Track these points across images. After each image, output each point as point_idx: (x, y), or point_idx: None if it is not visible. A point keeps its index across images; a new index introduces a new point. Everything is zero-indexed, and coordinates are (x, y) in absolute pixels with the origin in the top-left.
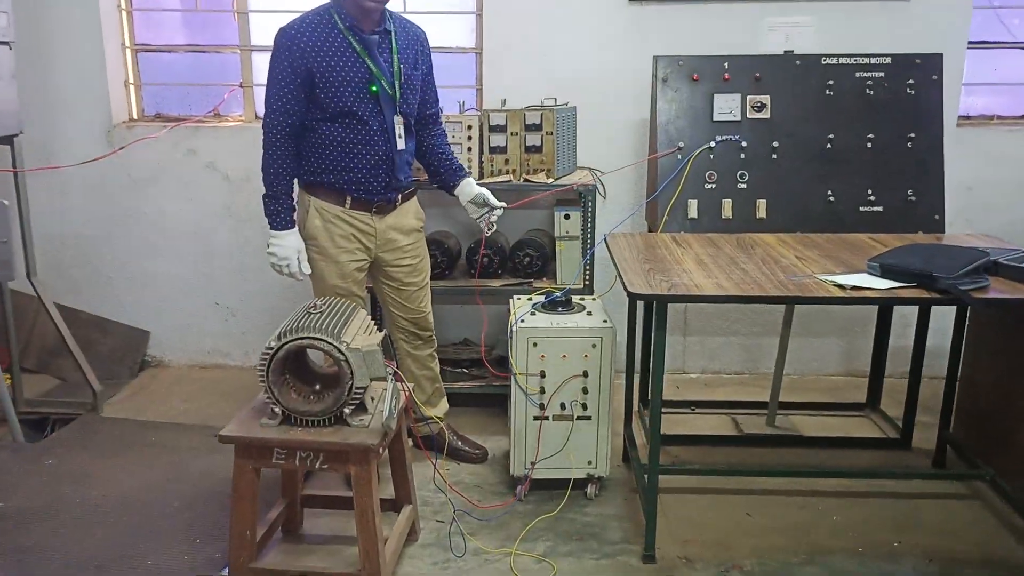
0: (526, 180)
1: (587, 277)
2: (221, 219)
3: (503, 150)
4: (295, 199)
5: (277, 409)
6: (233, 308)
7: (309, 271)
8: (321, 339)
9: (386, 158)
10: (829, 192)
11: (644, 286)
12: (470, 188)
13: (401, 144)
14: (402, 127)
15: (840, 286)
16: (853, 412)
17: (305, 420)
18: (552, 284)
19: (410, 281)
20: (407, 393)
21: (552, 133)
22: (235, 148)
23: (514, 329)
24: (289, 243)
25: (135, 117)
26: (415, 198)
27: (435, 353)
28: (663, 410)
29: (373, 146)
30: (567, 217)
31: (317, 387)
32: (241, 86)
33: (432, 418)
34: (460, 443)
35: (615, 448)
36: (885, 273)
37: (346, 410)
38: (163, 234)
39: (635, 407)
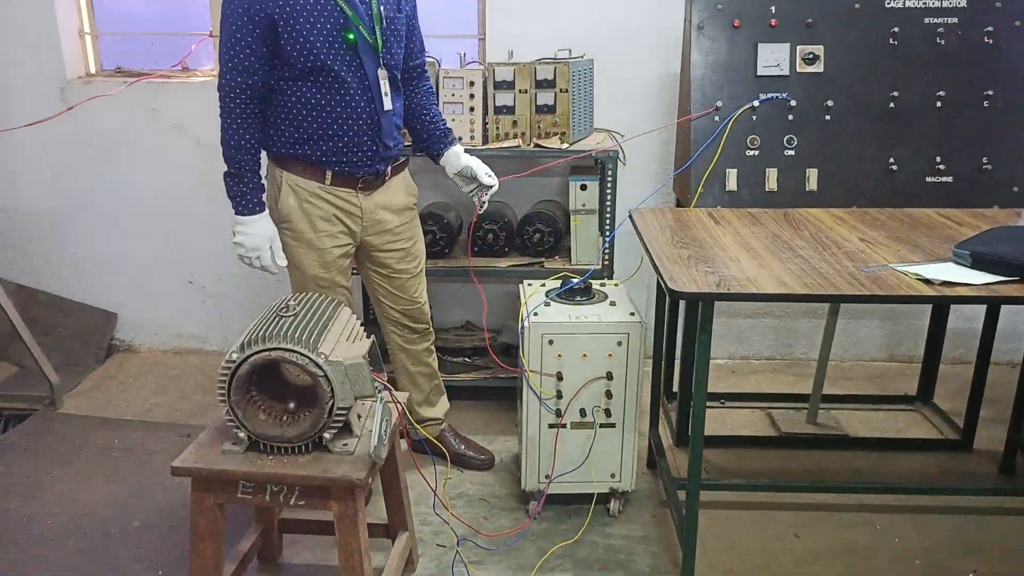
0: (537, 145)
1: (606, 257)
2: (193, 189)
3: (510, 110)
4: (263, 176)
5: (242, 434)
6: (210, 287)
7: (284, 262)
8: (294, 351)
9: (370, 122)
10: (891, 160)
11: (688, 282)
12: (457, 158)
13: (388, 103)
14: (387, 83)
15: (927, 281)
16: (903, 406)
17: (277, 447)
18: (566, 264)
19: (402, 268)
20: (401, 410)
21: (567, 90)
22: (206, 107)
23: (526, 324)
24: (259, 230)
25: (92, 72)
26: (406, 170)
27: (433, 347)
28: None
29: (354, 108)
30: (583, 188)
31: (291, 405)
32: (211, 35)
33: (430, 420)
34: (463, 447)
35: (639, 452)
36: (977, 263)
37: (326, 434)
38: (129, 205)
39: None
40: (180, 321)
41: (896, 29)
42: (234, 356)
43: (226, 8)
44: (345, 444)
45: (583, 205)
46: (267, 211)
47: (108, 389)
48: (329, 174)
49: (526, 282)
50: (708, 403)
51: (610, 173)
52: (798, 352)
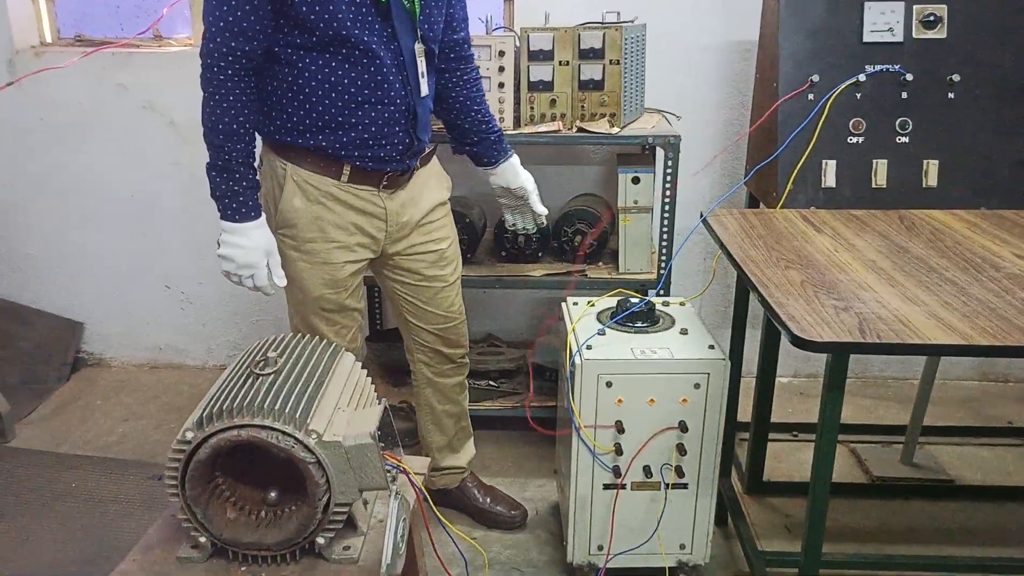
0: (581, 130)
1: (662, 266)
2: (168, 179)
3: (548, 86)
4: (259, 170)
5: (203, 538)
6: (189, 293)
7: (284, 282)
8: (273, 428)
9: (404, 108)
10: None
11: (816, 323)
12: (515, 175)
13: (424, 87)
14: (424, 61)
15: None
16: (1011, 440)
17: (252, 556)
18: (612, 273)
19: (435, 275)
20: (420, 495)
21: (619, 62)
22: (180, 82)
23: (577, 361)
24: (254, 241)
25: (48, 40)
26: (435, 158)
27: (465, 382)
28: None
29: (386, 91)
30: (636, 181)
31: (272, 495)
32: None
33: (451, 469)
34: (489, 501)
35: None
36: None
37: (320, 539)
38: (94, 198)
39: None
40: (156, 331)
41: None
42: (189, 435)
43: None
44: (346, 548)
45: (635, 202)
46: (264, 217)
47: (70, 414)
48: (348, 169)
49: (570, 300)
50: (776, 435)
51: (670, 164)
52: (873, 369)
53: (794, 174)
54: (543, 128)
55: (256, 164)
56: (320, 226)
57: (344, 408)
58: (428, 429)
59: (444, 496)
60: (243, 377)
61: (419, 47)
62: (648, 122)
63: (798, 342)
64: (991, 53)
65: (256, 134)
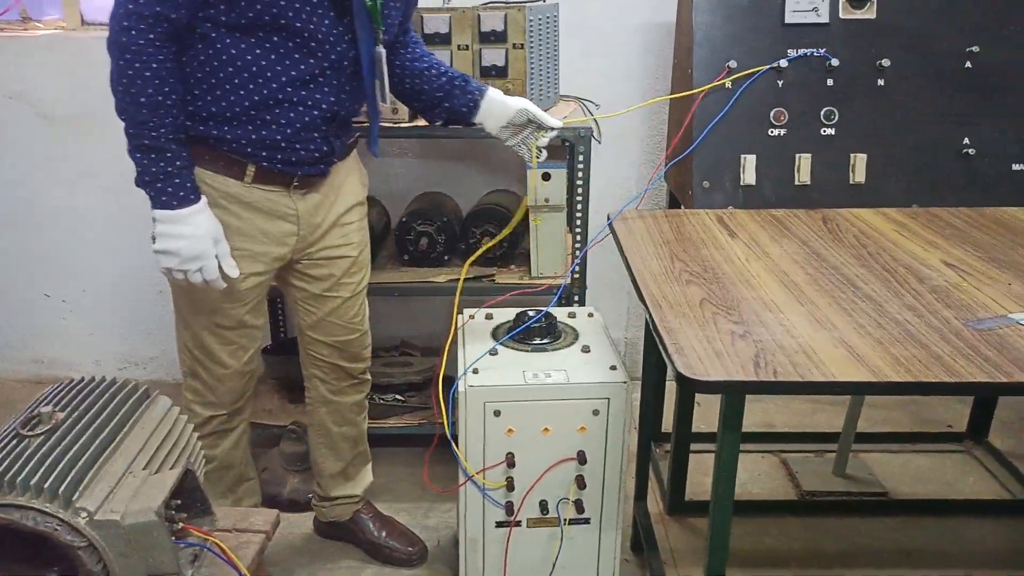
0: None
1: (577, 271)
2: (45, 176)
3: None
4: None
5: None
6: (72, 301)
7: (236, 272)
8: (28, 508)
9: (331, 116)
10: (966, 141)
11: (708, 356)
12: (503, 106)
13: (387, 94)
14: (385, 66)
15: None
16: (950, 446)
17: None
18: (524, 278)
19: (343, 283)
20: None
21: (523, 45)
22: (54, 70)
23: (461, 387)
24: (199, 228)
25: None
26: (355, 152)
27: (365, 402)
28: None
29: (312, 91)
30: (546, 178)
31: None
32: None
33: (344, 499)
34: (385, 534)
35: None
36: None
37: None
38: None
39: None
40: (37, 343)
41: None
42: None
43: None
44: None
45: (546, 200)
46: (205, 200)
47: None
48: (252, 170)
49: (467, 312)
50: (700, 445)
51: (581, 157)
52: None
53: (709, 170)
54: None
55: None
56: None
57: (137, 473)
58: (321, 454)
59: (334, 528)
60: (7, 439)
61: (381, 51)
62: (562, 111)
63: (683, 380)
64: (924, 35)
65: (184, 109)
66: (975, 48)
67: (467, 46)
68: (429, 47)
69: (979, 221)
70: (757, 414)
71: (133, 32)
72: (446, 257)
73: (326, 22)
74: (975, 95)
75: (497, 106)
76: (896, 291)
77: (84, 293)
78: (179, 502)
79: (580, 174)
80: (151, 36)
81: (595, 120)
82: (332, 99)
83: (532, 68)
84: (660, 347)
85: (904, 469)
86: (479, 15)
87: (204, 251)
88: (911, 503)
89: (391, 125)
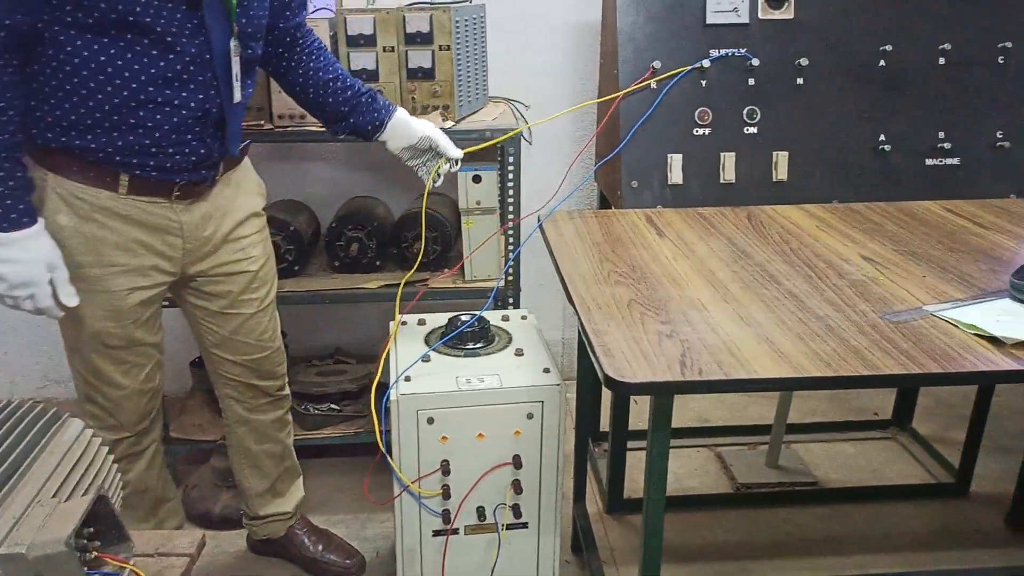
0: None
1: (511, 273)
2: None
3: (372, 75)
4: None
5: None
6: None
7: (74, 300)
8: None
9: (202, 115)
10: (882, 137)
11: (635, 358)
12: (407, 127)
13: (237, 93)
14: (239, 63)
15: (990, 337)
16: (876, 433)
17: None
18: (458, 282)
19: (247, 299)
20: None
21: (450, 47)
22: None
23: (393, 397)
24: (32, 252)
25: None
26: (248, 160)
27: (289, 416)
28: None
29: (177, 90)
30: (477, 180)
31: None
32: None
33: (275, 516)
34: (321, 548)
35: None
36: None
37: None
38: None
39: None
40: None
41: None
42: None
43: None
44: None
45: (477, 203)
46: (42, 222)
47: None
48: (125, 179)
49: (399, 318)
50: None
51: (512, 159)
52: None
53: (635, 170)
54: None
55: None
56: (95, 247)
57: (46, 501)
58: (244, 474)
59: (269, 545)
60: None
61: (234, 45)
62: (491, 113)
63: (611, 383)
64: (840, 33)
65: (21, 126)
66: (888, 47)
67: (392, 48)
68: (352, 49)
69: (894, 215)
70: (693, 409)
71: None
72: (378, 263)
73: (178, 16)
74: (889, 93)
75: (402, 127)
76: (817, 286)
77: None
78: (92, 530)
79: (511, 176)
80: None
81: (526, 121)
82: (200, 97)
83: (460, 70)
84: (589, 349)
85: (833, 458)
86: (404, 16)
87: (35, 278)
88: (840, 491)
89: (317, 129)
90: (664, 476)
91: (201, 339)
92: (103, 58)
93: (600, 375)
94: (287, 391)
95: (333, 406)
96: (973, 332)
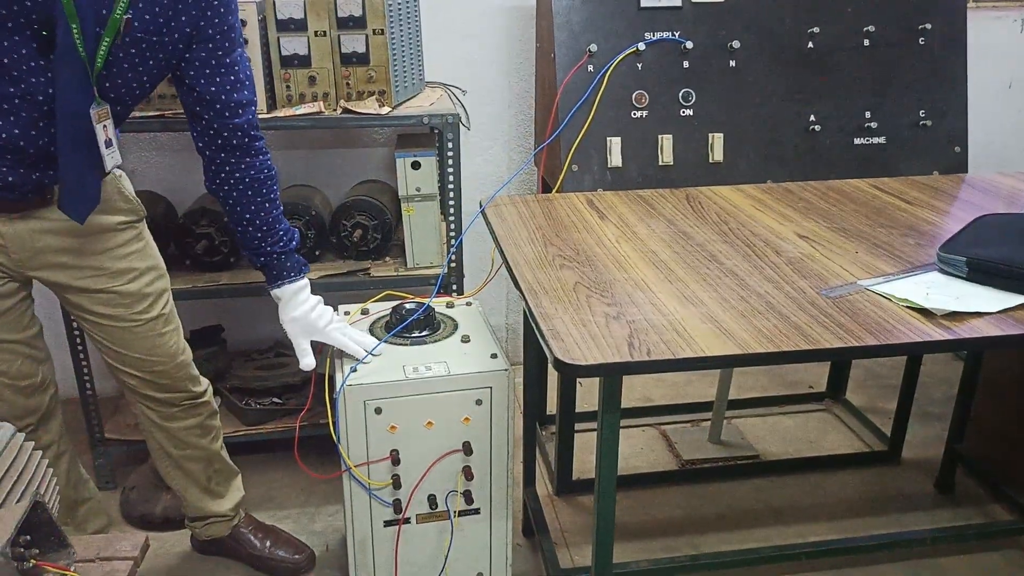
0: (347, 111)
1: (453, 260)
2: None
3: (304, 61)
4: None
5: None
6: None
7: None
8: None
9: (20, 152)
10: (812, 117)
11: (583, 339)
12: (299, 306)
13: (108, 162)
14: (108, 127)
15: (922, 309)
16: (812, 406)
17: None
18: (400, 270)
19: (118, 315)
20: None
21: (384, 31)
22: None
23: (340, 388)
24: None
25: None
26: (115, 172)
27: (210, 422)
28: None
29: (10, 120)
30: (416, 166)
31: None
32: None
33: (215, 517)
34: (269, 545)
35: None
36: (976, 274)
37: None
38: None
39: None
40: None
41: None
42: None
43: None
44: None
45: (417, 190)
46: None
47: None
48: None
49: (341, 308)
50: (588, 426)
51: (451, 145)
52: None
53: (574, 153)
54: (303, 110)
55: None
56: None
57: None
58: (172, 477)
59: (215, 545)
60: None
61: (98, 111)
62: (428, 99)
63: (561, 366)
64: (770, 16)
65: None
66: (815, 29)
67: (325, 32)
68: (283, 34)
69: (826, 193)
70: (637, 389)
71: None
72: (316, 252)
73: (24, 51)
74: (817, 74)
75: (298, 303)
76: (757, 265)
77: None
78: (29, 538)
79: (451, 161)
80: None
81: (464, 106)
82: (16, 131)
83: (395, 55)
84: (537, 334)
85: (773, 431)
86: (335, 0)
87: None
88: (780, 463)
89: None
90: (615, 456)
91: (98, 349)
92: None
93: (550, 359)
94: (206, 397)
95: (276, 399)
96: (906, 305)
